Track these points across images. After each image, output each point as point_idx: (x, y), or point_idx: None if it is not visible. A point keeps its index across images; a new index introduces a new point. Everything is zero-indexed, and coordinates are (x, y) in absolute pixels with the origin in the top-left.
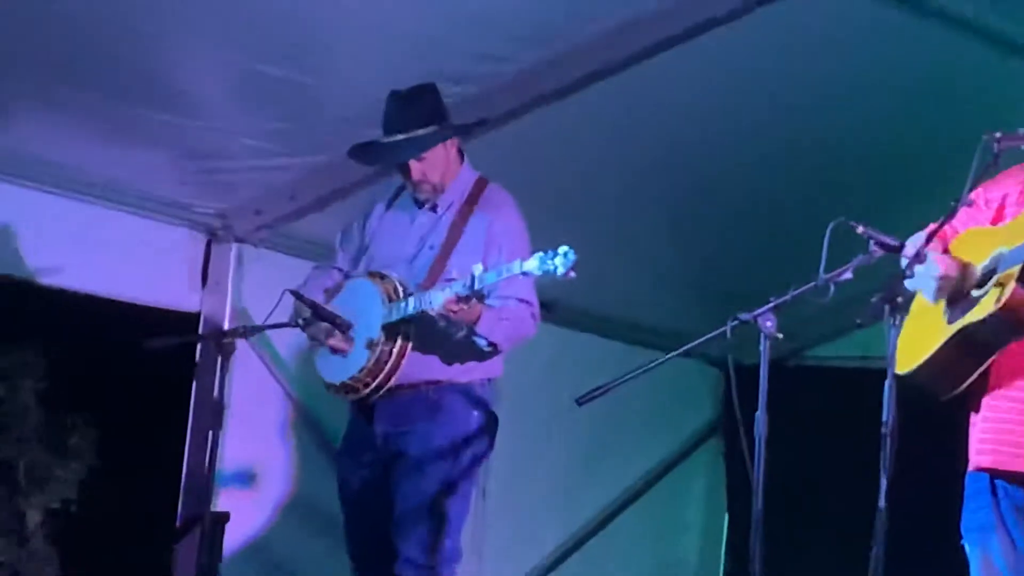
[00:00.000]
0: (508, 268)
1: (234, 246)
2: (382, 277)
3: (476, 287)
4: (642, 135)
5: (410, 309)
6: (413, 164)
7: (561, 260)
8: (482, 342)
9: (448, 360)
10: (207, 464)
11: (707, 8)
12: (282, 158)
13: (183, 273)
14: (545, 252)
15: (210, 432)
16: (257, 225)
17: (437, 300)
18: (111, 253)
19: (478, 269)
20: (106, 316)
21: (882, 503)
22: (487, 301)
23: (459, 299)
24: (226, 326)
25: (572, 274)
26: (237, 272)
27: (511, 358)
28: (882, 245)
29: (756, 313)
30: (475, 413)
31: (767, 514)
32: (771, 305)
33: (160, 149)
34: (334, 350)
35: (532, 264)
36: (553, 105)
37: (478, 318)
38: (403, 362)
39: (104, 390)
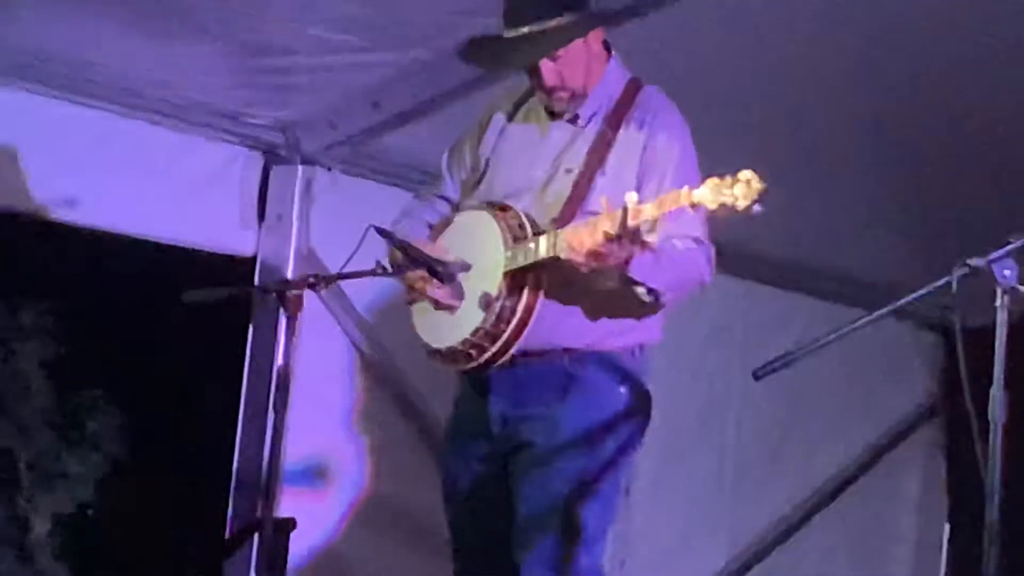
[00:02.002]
0: (672, 198)
1: (300, 168)
2: (503, 209)
3: (630, 222)
4: (844, 25)
5: (541, 252)
6: (546, 65)
7: (743, 189)
8: (640, 290)
9: (592, 318)
10: (266, 456)
11: None
12: (363, 54)
13: (234, 204)
14: (721, 177)
15: (270, 414)
16: (331, 141)
17: (578, 240)
18: (140, 179)
19: (632, 199)
20: (133, 261)
21: None
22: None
23: (608, 239)
24: (290, 274)
25: (757, 208)
26: (304, 203)
27: (666, 318)
28: None
29: (991, 258)
30: (621, 389)
31: (1004, 525)
32: (1012, 247)
33: (205, 42)
34: (439, 305)
35: (704, 193)
36: None
37: (629, 260)
38: (531, 321)
39: (131, 359)
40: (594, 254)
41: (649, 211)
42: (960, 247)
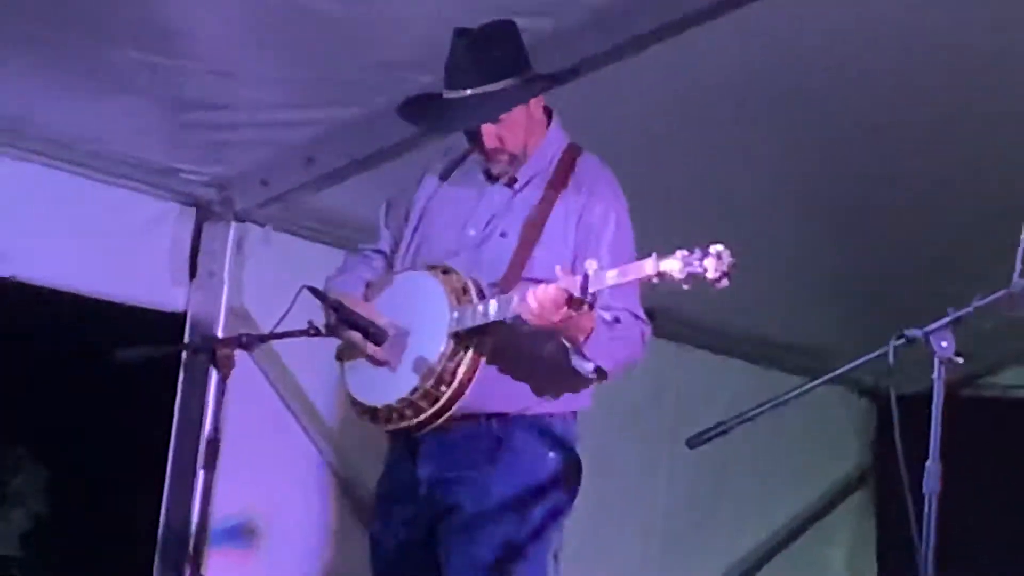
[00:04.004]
0: (638, 267)
1: (233, 226)
2: (446, 272)
3: (591, 289)
4: (776, 90)
5: (491, 314)
6: (487, 128)
7: (712, 263)
8: (588, 367)
9: (533, 387)
10: (193, 517)
11: None
12: (297, 111)
13: (164, 260)
14: (691, 250)
15: (198, 474)
16: (264, 198)
17: (537, 303)
18: (70, 233)
19: (592, 266)
20: (62, 315)
21: None
22: None
23: (570, 304)
24: (221, 332)
25: (725, 282)
26: (237, 260)
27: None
28: None
29: (928, 329)
30: (552, 455)
31: None
32: (949, 319)
33: (139, 97)
34: (376, 363)
35: (673, 264)
36: (657, 46)
37: (589, 334)
38: (471, 385)
39: (57, 416)
40: (552, 320)
41: (611, 278)
42: (892, 316)
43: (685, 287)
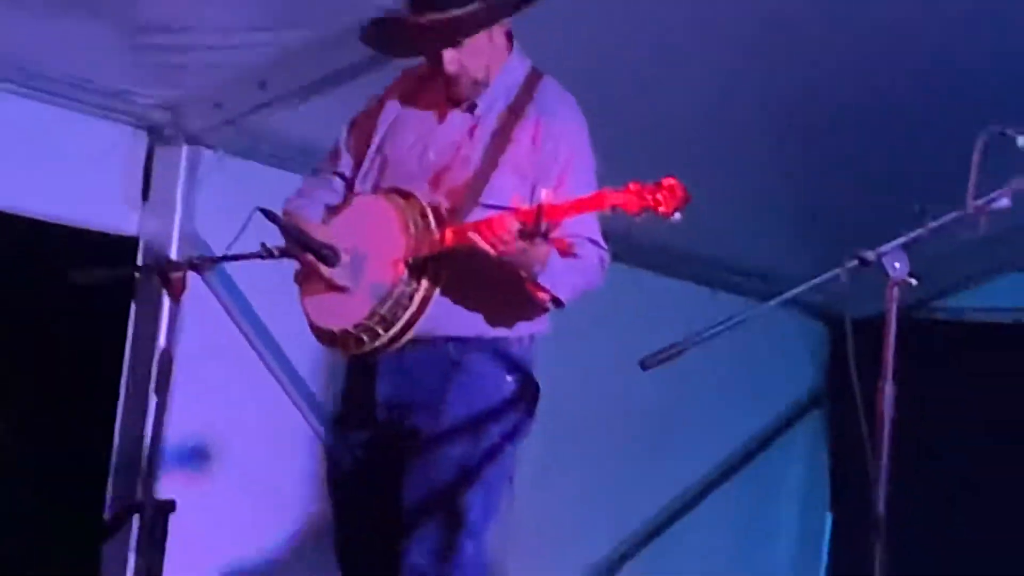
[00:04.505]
0: (592, 199)
1: (185, 149)
2: (406, 197)
3: (544, 220)
4: (736, 20)
5: (446, 242)
6: (449, 53)
7: (666, 196)
8: (543, 296)
9: (487, 314)
10: (147, 438)
11: None
12: (251, 33)
13: (117, 184)
14: (644, 183)
15: (151, 396)
16: (217, 121)
17: (490, 233)
18: (19, 155)
19: (547, 197)
20: (11, 238)
21: None
22: None
23: (523, 234)
24: (173, 255)
25: (678, 216)
26: (189, 184)
27: None
28: None
29: (882, 250)
30: (508, 378)
31: (888, 517)
32: (902, 240)
33: (87, 18)
34: (332, 287)
35: (626, 198)
36: None
37: (544, 262)
38: (427, 309)
39: (6, 338)
40: (508, 248)
41: (565, 210)
42: (847, 238)
43: (638, 219)
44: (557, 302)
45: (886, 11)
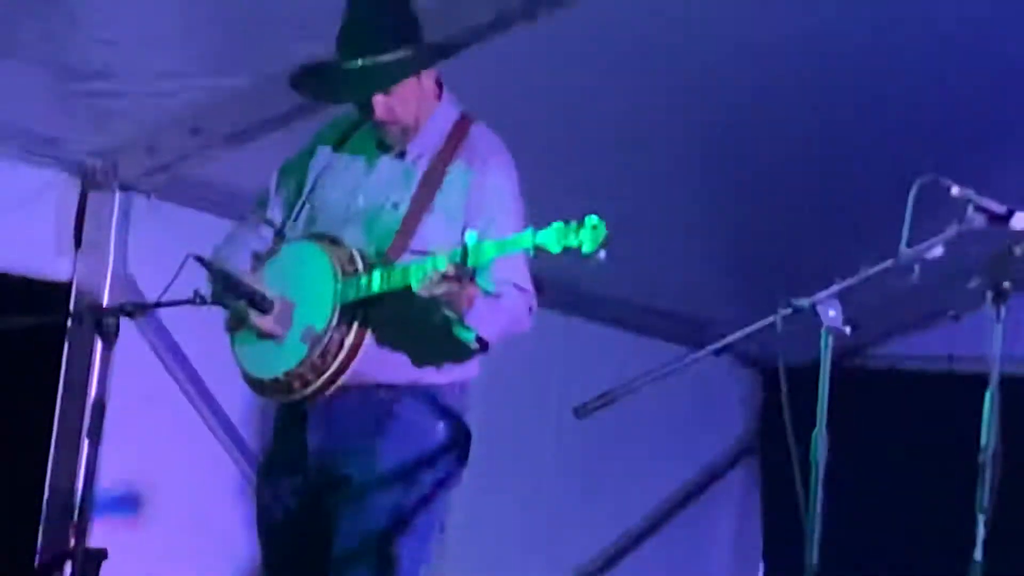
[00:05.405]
0: (516, 240)
1: (118, 195)
2: (333, 242)
3: (470, 262)
4: (670, 59)
5: (376, 286)
6: (378, 99)
7: (589, 235)
8: (469, 336)
9: (417, 358)
10: (78, 484)
11: None
12: (183, 79)
13: (49, 230)
14: (567, 222)
15: (83, 441)
16: (150, 167)
17: (419, 272)
18: None
19: (472, 237)
20: None
21: (978, 555)
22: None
23: (451, 275)
24: (106, 301)
25: (602, 255)
26: (121, 229)
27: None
28: (984, 212)
29: (816, 299)
30: (440, 424)
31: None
32: (836, 288)
33: (20, 64)
34: (263, 335)
35: (548, 237)
36: (552, 15)
37: (471, 303)
38: (357, 356)
39: None
40: (436, 290)
41: (490, 251)
42: (780, 286)
43: (562, 259)
44: (483, 343)
45: (820, 62)
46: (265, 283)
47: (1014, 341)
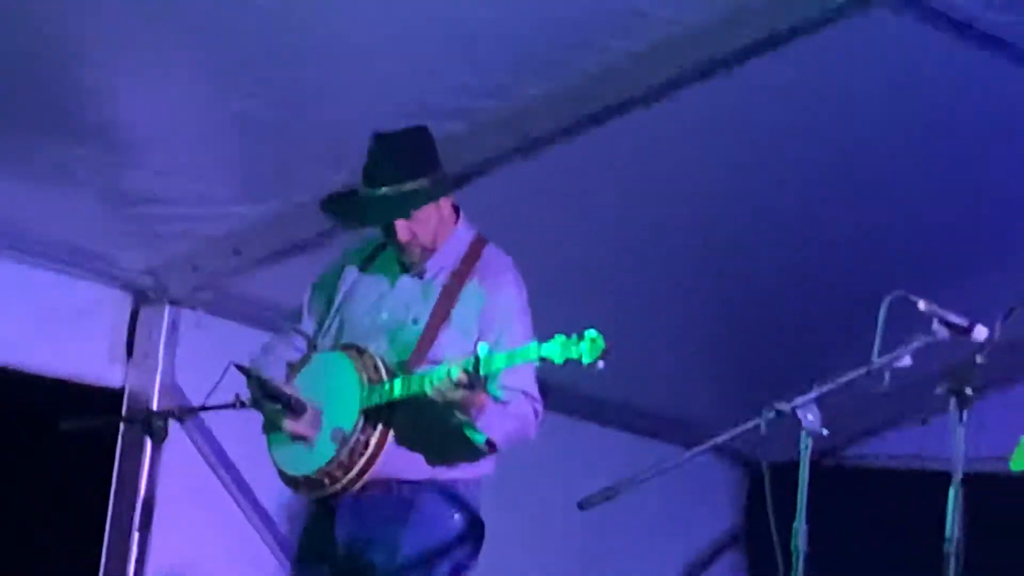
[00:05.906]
0: (523, 352)
1: (167, 309)
2: (359, 351)
3: (481, 371)
4: (661, 186)
5: (396, 392)
6: (400, 223)
7: (588, 347)
8: (480, 439)
9: (434, 457)
10: (129, 572)
11: (740, 34)
12: (227, 205)
13: (104, 341)
14: (568, 336)
15: (134, 536)
16: (195, 284)
17: (435, 380)
18: (16, 314)
19: (484, 349)
20: (8, 392)
21: None
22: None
23: (464, 383)
24: (155, 406)
25: (601, 364)
26: (170, 341)
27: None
28: (949, 325)
29: (796, 403)
30: (456, 516)
31: None
32: (815, 394)
33: (78, 190)
34: (295, 437)
35: (552, 349)
36: (552, 148)
37: (481, 409)
38: (381, 455)
39: (2, 484)
40: (451, 396)
41: (499, 362)
42: (762, 390)
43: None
44: (492, 445)
45: (797, 181)
46: (298, 389)
47: (977, 442)
